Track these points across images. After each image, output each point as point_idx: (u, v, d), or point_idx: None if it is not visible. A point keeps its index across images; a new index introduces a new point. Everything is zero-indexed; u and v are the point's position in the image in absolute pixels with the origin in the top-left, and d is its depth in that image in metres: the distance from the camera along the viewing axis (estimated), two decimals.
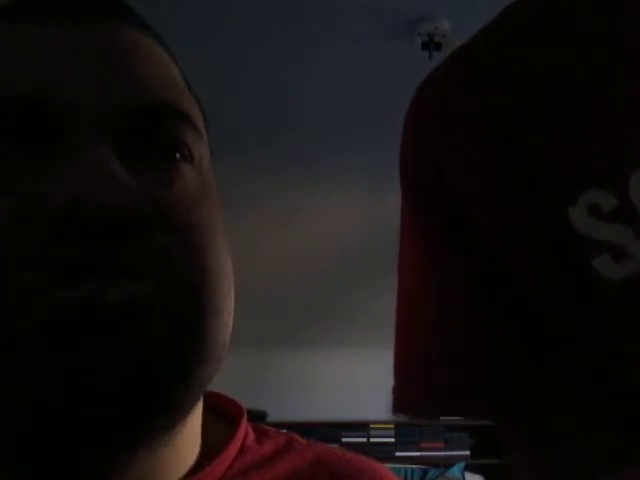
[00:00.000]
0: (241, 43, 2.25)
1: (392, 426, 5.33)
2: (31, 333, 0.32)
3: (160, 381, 0.33)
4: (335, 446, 0.49)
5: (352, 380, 5.43)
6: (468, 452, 5.29)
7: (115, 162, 0.33)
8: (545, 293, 0.40)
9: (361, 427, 5.36)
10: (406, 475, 5.06)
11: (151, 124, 0.36)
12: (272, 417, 4.13)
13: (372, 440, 5.34)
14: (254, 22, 2.15)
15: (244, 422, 0.45)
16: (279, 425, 0.48)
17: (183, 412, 0.37)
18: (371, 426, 5.36)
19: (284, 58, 2.35)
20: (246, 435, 0.44)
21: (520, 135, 0.41)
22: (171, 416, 0.35)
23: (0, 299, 0.32)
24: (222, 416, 0.46)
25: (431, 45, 2.19)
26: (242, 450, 0.43)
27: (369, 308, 4.46)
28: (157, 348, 0.33)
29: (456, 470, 5.13)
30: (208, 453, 0.41)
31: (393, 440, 5.33)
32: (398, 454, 5.27)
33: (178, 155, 0.37)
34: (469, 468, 5.16)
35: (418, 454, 5.30)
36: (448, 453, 5.30)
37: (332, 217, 3.58)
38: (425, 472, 5.16)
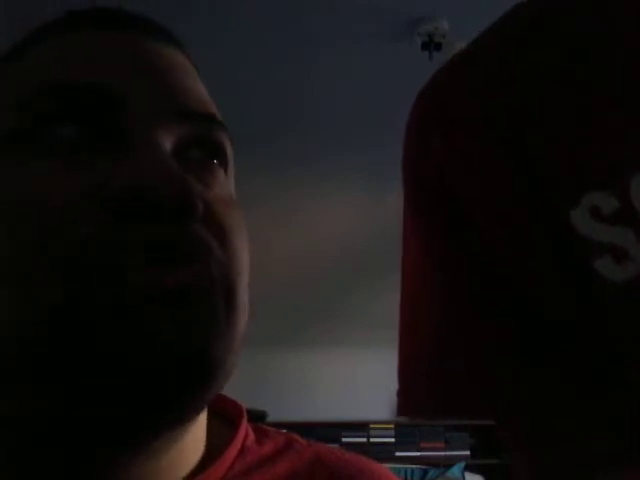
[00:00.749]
0: (241, 43, 2.25)
1: (392, 426, 5.33)
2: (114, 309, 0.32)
3: (188, 377, 0.34)
4: (335, 446, 0.49)
5: (352, 380, 5.43)
6: (468, 452, 5.29)
7: (172, 159, 0.36)
8: (545, 294, 0.40)
9: (361, 427, 5.36)
10: (406, 475, 5.06)
11: (202, 131, 0.40)
12: (272, 417, 4.13)
13: (372, 440, 5.34)
14: (254, 22, 2.15)
15: (244, 423, 0.45)
16: (279, 425, 0.48)
17: (199, 409, 0.37)
18: (371, 426, 5.36)
19: (284, 58, 2.35)
20: (246, 436, 0.45)
21: (520, 136, 0.41)
22: (184, 414, 0.36)
23: (74, 270, 0.33)
24: (222, 417, 0.46)
25: (431, 45, 2.19)
26: (242, 451, 0.43)
27: (369, 308, 4.46)
28: (201, 340, 0.34)
29: (456, 470, 5.13)
30: (209, 454, 0.42)
31: (393, 440, 5.34)
32: (398, 454, 5.27)
33: (216, 161, 0.41)
34: (469, 468, 5.16)
35: (418, 454, 5.30)
36: (448, 453, 5.30)
37: (332, 217, 3.58)
38: (425, 472, 5.16)
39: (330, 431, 5.19)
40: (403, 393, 0.45)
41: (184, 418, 0.36)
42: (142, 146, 0.36)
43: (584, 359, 0.39)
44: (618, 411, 0.38)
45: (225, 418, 0.46)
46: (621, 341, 0.38)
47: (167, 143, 0.37)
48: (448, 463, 5.21)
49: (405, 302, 0.47)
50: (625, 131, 0.39)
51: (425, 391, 0.43)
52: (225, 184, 0.41)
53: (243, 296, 0.39)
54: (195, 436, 0.41)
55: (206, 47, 2.22)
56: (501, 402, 0.41)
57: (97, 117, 0.37)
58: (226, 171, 0.42)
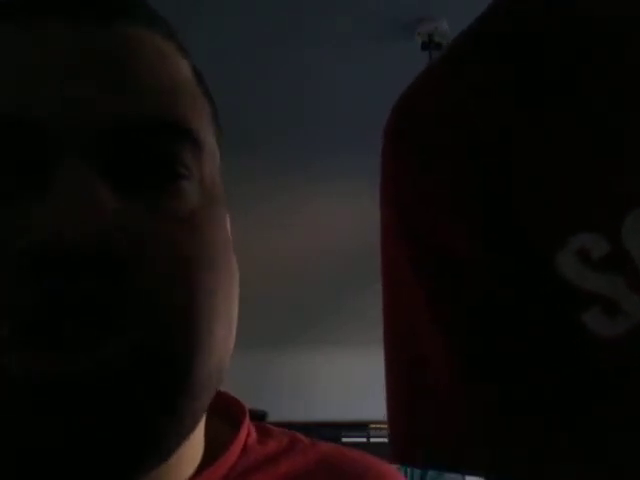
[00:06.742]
0: (241, 43, 2.25)
1: None
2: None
3: (143, 438, 0.31)
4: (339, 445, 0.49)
5: (352, 380, 5.42)
6: None
7: (101, 189, 0.31)
8: (528, 347, 0.38)
9: (361, 427, 5.35)
10: (406, 475, 5.06)
11: (145, 142, 0.33)
12: (272, 417, 4.12)
13: (372, 440, 5.34)
14: (254, 22, 2.15)
15: (247, 422, 0.44)
16: (279, 425, 0.47)
17: (176, 447, 0.35)
18: (371, 426, 5.35)
19: (284, 58, 2.35)
20: (249, 435, 0.44)
21: (497, 170, 0.40)
22: (161, 454, 0.34)
23: None
24: (224, 416, 0.45)
25: (431, 45, 2.19)
26: (245, 450, 0.42)
27: (369, 308, 4.45)
28: (137, 412, 0.31)
29: None
30: (211, 453, 0.41)
31: None
32: None
33: (174, 173, 0.34)
34: None
35: None
36: None
37: (332, 217, 3.58)
38: (425, 472, 5.16)
39: (330, 431, 5.18)
40: (394, 444, 0.44)
41: (163, 455, 0.33)
42: (63, 184, 0.30)
43: (562, 419, 0.37)
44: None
45: (227, 417, 0.45)
46: (606, 408, 0.35)
47: (91, 172, 0.31)
48: None
49: (397, 368, 0.45)
50: (619, 168, 0.37)
51: (410, 449, 0.43)
52: (187, 197, 0.34)
53: (207, 326, 0.33)
54: (195, 441, 0.40)
55: (206, 47, 2.22)
56: (501, 453, 0.40)
57: (13, 153, 0.32)
58: (190, 180, 0.35)
